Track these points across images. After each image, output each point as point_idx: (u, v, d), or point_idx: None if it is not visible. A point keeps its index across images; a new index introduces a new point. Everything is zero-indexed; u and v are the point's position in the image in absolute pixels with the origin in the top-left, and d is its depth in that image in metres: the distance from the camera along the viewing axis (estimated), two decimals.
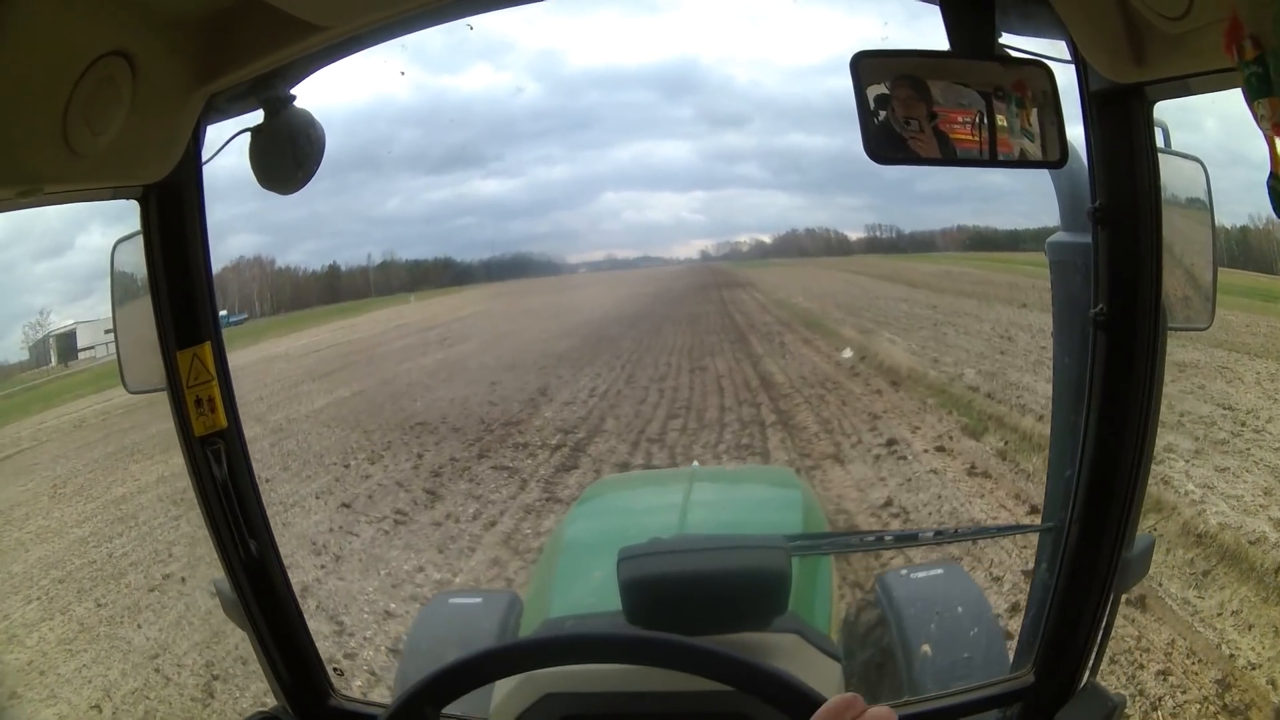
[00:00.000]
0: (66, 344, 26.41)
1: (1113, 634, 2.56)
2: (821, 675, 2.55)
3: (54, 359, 26.11)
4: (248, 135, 2.38)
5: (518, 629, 3.98)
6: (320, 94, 2.39)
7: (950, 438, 13.06)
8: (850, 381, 17.87)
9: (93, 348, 26.16)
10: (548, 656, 2.18)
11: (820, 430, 14.38)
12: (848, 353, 21.03)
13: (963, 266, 31.12)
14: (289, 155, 2.37)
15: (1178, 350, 14.00)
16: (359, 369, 23.86)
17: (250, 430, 14.23)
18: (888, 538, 4.32)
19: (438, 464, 13.77)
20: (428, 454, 14.37)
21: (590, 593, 3.49)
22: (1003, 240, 29.67)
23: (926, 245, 34.29)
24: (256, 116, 2.38)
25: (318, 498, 12.48)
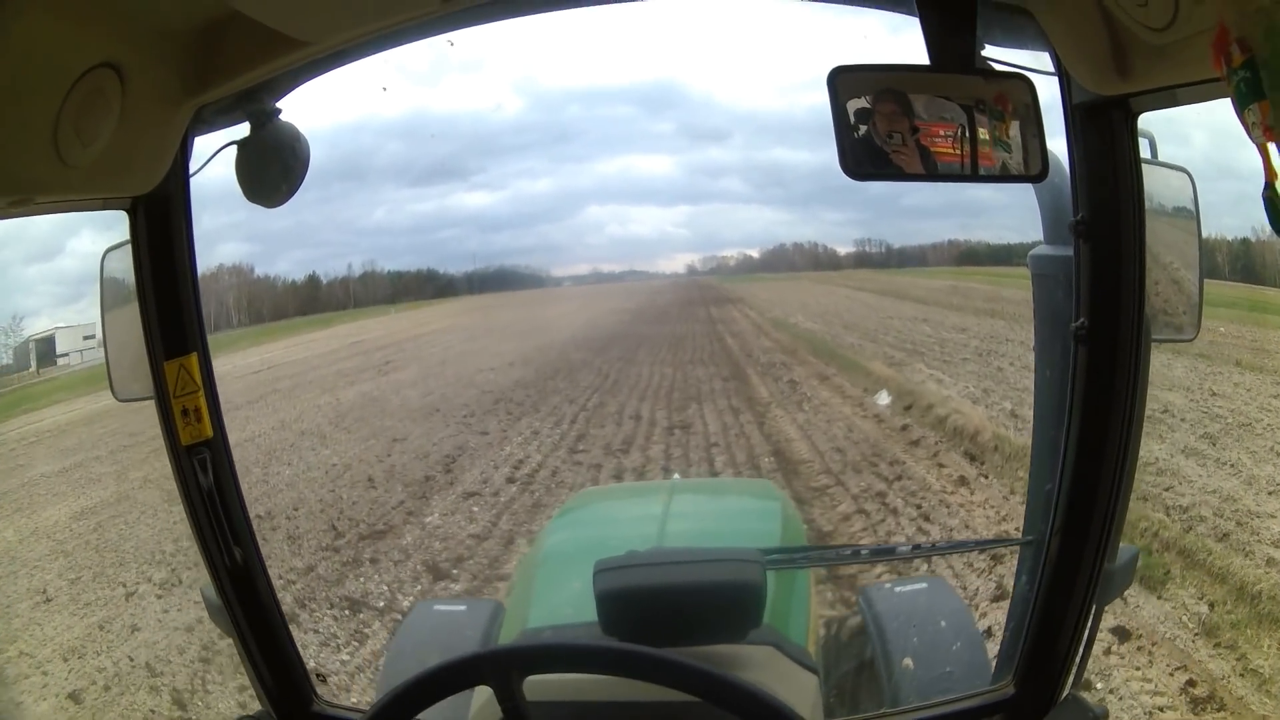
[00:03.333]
0: (46, 349, 26.41)
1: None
2: (797, 687, 2.56)
3: (33, 363, 26.12)
4: (234, 148, 2.41)
5: (498, 637, 4.03)
6: (306, 106, 2.43)
7: (1125, 601, 7.53)
8: (909, 455, 12.66)
9: (68, 354, 26.10)
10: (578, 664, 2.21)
11: None
12: (884, 398, 16.05)
13: (967, 281, 28.90)
14: (274, 169, 2.41)
15: None
16: (272, 403, 20.40)
17: (53, 512, 12.33)
18: (864, 552, 4.34)
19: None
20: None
21: (567, 603, 3.51)
22: (996, 255, 29.21)
23: (917, 260, 33.95)
24: (243, 129, 2.41)
25: None
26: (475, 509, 11.80)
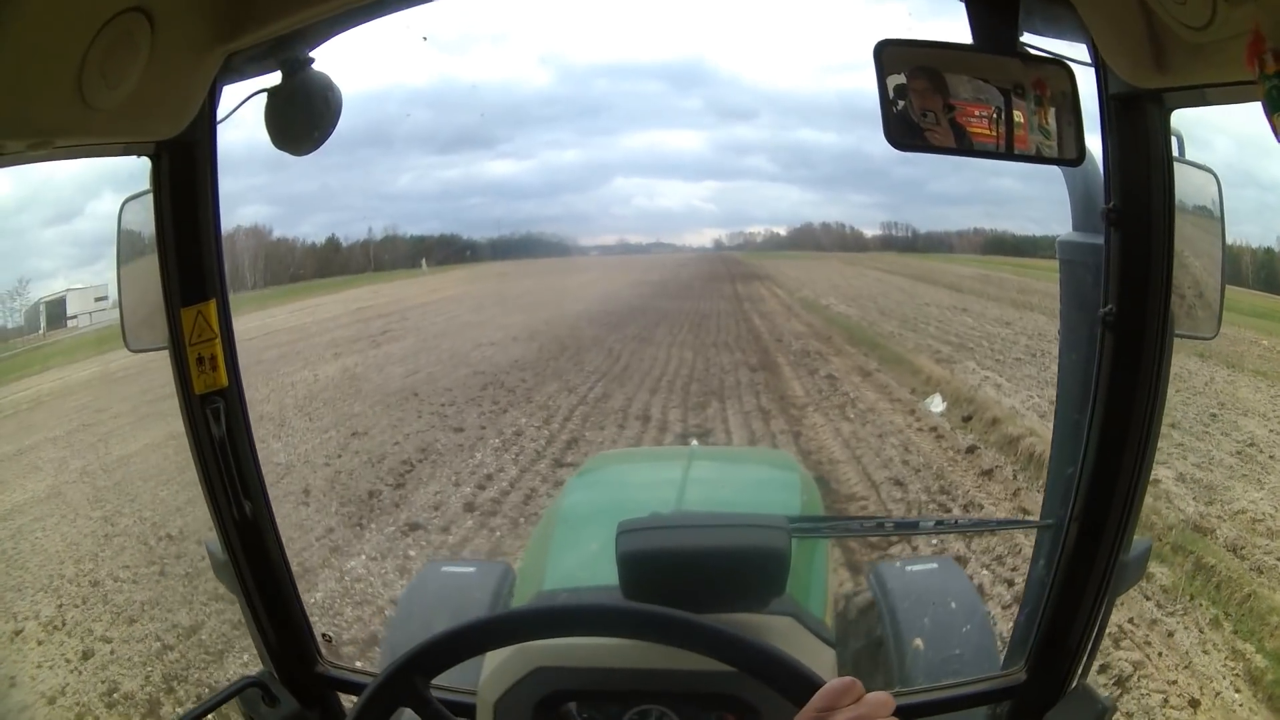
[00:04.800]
0: (56, 311, 26.34)
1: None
2: (815, 660, 2.56)
3: (43, 325, 26.09)
4: (264, 96, 2.46)
5: (510, 600, 4.09)
6: (336, 71, 2.48)
7: None
8: (983, 493, 10.44)
9: (77, 316, 26.05)
10: (573, 626, 2.27)
11: None
12: (938, 403, 14.08)
13: (997, 271, 27.50)
14: (305, 116, 2.46)
15: None
16: (248, 377, 9.26)
17: None
18: (888, 524, 4.42)
19: None
20: None
21: (584, 565, 3.57)
22: (1023, 245, 28.97)
23: (943, 246, 33.77)
24: (274, 78, 2.45)
25: None
26: (413, 553, 9.79)
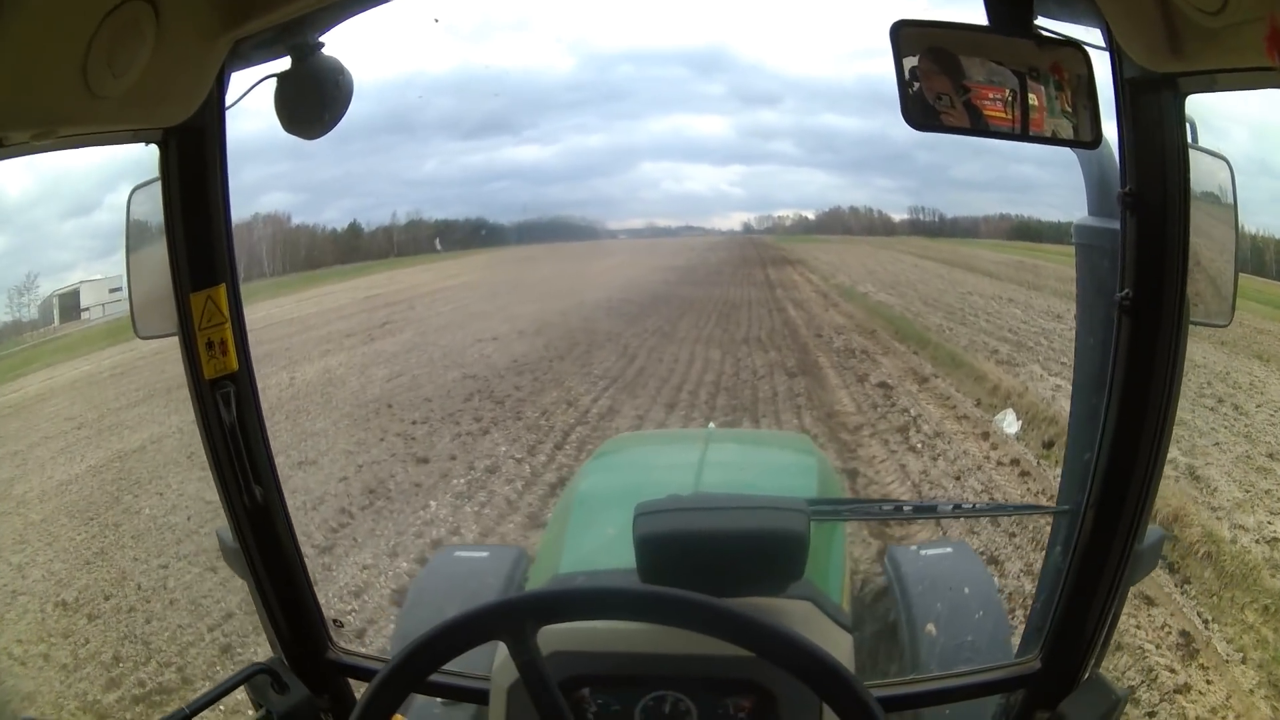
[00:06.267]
0: (70, 303, 26.43)
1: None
2: (833, 646, 2.59)
3: (56, 318, 26.18)
4: (274, 81, 2.50)
5: (524, 584, 4.16)
6: (354, 58, 2.53)
7: None
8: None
9: (90, 309, 26.12)
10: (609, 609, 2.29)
11: None
12: (1011, 423, 12.01)
13: (1032, 258, 25.74)
14: (314, 101, 2.50)
15: None
16: None
17: None
18: (906, 508, 4.43)
19: None
20: None
21: (601, 548, 3.59)
22: (1044, 230, 28.77)
23: (969, 231, 33.78)
24: (284, 63, 2.49)
25: None
26: None
